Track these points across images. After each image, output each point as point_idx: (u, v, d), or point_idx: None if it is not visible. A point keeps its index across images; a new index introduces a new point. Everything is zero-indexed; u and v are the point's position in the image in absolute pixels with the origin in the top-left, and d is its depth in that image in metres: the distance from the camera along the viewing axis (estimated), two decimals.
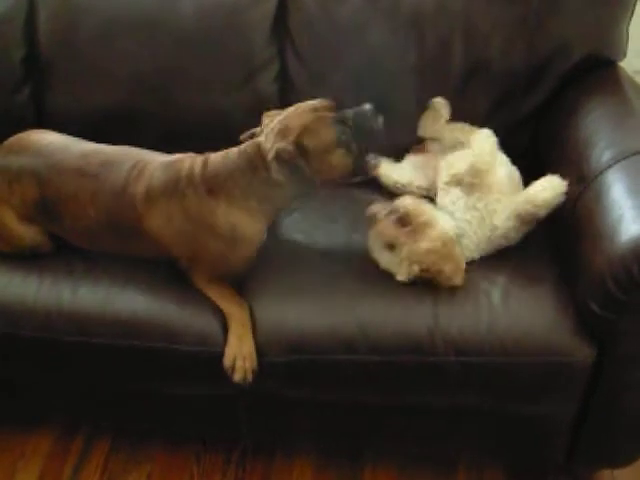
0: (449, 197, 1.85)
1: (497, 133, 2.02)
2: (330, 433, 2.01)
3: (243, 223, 1.78)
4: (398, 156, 2.08)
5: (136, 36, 2.11)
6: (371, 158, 1.78)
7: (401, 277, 1.73)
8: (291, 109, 1.77)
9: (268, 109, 1.84)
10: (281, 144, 1.69)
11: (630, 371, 1.67)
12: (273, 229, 1.93)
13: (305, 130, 1.71)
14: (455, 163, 1.86)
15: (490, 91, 2.08)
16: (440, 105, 2.06)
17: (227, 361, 1.73)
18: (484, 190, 1.81)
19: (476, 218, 1.80)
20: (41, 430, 2.20)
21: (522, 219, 1.78)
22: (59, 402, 2.07)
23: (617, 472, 2.02)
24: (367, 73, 2.08)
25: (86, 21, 2.12)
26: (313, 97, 2.03)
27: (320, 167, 1.73)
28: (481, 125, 2.06)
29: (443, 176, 1.89)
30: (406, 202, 1.78)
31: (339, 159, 1.73)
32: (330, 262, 1.85)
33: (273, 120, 1.77)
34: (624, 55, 2.09)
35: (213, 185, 1.77)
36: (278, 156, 1.69)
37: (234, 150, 1.80)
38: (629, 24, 2.06)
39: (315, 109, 1.75)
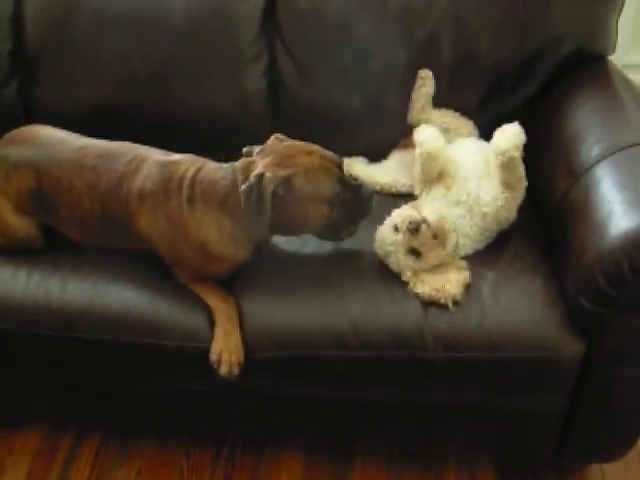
0: (431, 196, 1.86)
1: (486, 127, 2.03)
2: (319, 429, 2.01)
3: (213, 243, 1.76)
4: (387, 151, 2.07)
5: (125, 30, 2.09)
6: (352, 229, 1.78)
7: (418, 289, 1.72)
8: (302, 144, 1.73)
9: (279, 131, 1.81)
10: (272, 171, 1.65)
11: (619, 366, 1.67)
12: None
13: (307, 171, 1.68)
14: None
15: (479, 85, 2.08)
16: (426, 77, 2.04)
17: (213, 355, 1.73)
18: (459, 181, 1.82)
19: (466, 210, 1.80)
20: (29, 427, 2.20)
21: (505, 182, 1.77)
22: (47, 398, 2.07)
23: (606, 467, 2.03)
24: (356, 67, 2.07)
25: (74, 15, 2.10)
26: (302, 91, 2.05)
27: (295, 214, 1.70)
28: (470, 118, 2.07)
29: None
30: (435, 217, 1.74)
31: (317, 214, 1.71)
32: (320, 259, 1.85)
33: (279, 144, 1.74)
34: (614, 49, 2.09)
35: (194, 193, 1.75)
36: (259, 180, 1.64)
37: (230, 163, 1.77)
38: (619, 18, 2.06)
39: (326, 158, 1.71)
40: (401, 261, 1.75)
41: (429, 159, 1.81)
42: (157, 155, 1.85)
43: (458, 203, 1.81)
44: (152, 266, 1.85)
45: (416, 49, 2.05)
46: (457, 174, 1.83)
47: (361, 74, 2.08)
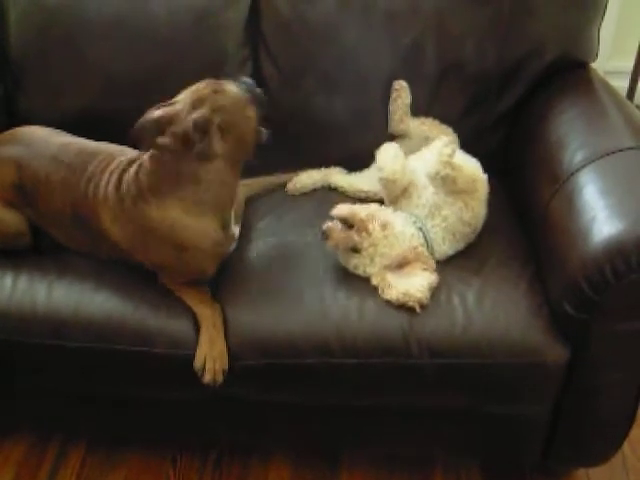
0: (398, 206, 1.89)
1: (470, 134, 2.05)
2: (306, 435, 2.01)
3: (181, 221, 1.74)
4: (370, 158, 2.08)
5: (108, 38, 2.09)
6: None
7: (387, 295, 1.73)
8: (183, 92, 1.77)
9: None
10: (200, 112, 1.68)
11: (603, 372, 1.68)
12: (246, 233, 1.93)
13: (216, 94, 1.73)
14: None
15: (463, 92, 2.09)
16: (401, 88, 2.05)
17: (197, 362, 1.73)
18: (420, 189, 1.86)
19: (427, 213, 1.83)
20: (14, 436, 2.18)
21: (454, 192, 1.80)
22: (32, 407, 2.05)
23: (592, 471, 2.04)
24: (340, 75, 2.08)
25: (57, 22, 2.10)
26: (287, 99, 2.05)
27: (240, 125, 1.74)
28: (454, 126, 2.08)
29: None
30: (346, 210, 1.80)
31: (252, 117, 1.77)
32: (304, 265, 1.85)
33: (169, 108, 1.74)
34: (596, 56, 2.11)
35: (142, 188, 1.75)
36: (197, 126, 1.67)
37: (155, 149, 1.77)
38: (600, 26, 2.07)
39: (207, 83, 1.76)
40: (345, 260, 1.79)
41: (388, 183, 1.87)
42: (129, 154, 1.86)
43: (421, 207, 1.84)
44: (138, 273, 1.84)
45: (400, 57, 2.06)
46: (419, 182, 1.87)
47: (345, 81, 2.09)
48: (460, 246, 1.86)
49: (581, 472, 2.05)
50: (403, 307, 1.70)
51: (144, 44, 2.09)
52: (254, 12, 2.09)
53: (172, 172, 1.72)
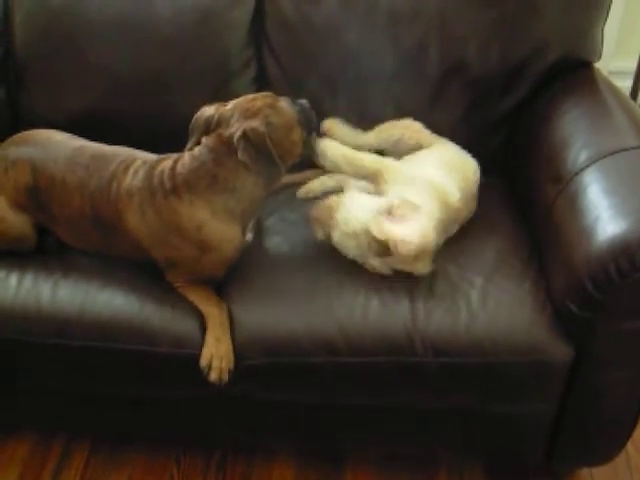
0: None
1: (473, 134, 2.05)
2: (310, 434, 2.01)
3: (209, 224, 1.76)
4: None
5: (112, 38, 2.09)
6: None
7: (372, 256, 1.75)
8: (241, 98, 1.79)
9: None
10: (251, 123, 1.70)
11: (607, 371, 1.68)
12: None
13: (270, 109, 1.74)
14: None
15: (466, 93, 2.09)
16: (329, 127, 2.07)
17: (204, 360, 1.73)
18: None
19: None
20: (18, 435, 2.19)
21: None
22: (36, 406, 2.05)
23: (595, 470, 2.04)
24: (343, 75, 2.09)
25: (61, 23, 2.11)
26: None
27: (284, 145, 1.76)
28: (457, 126, 2.08)
29: None
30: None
31: (297, 136, 1.79)
32: (309, 264, 1.85)
33: (222, 109, 1.77)
34: (600, 56, 2.11)
35: (177, 183, 1.76)
36: (245, 136, 1.69)
37: (197, 148, 1.79)
38: (604, 25, 2.07)
39: (264, 95, 1.79)
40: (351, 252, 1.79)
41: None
42: (149, 156, 1.87)
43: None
44: (143, 272, 1.85)
45: (403, 57, 2.07)
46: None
47: (348, 82, 2.09)
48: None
49: (585, 472, 2.05)
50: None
51: (148, 45, 2.09)
52: (258, 12, 2.09)
53: (209, 175, 1.74)
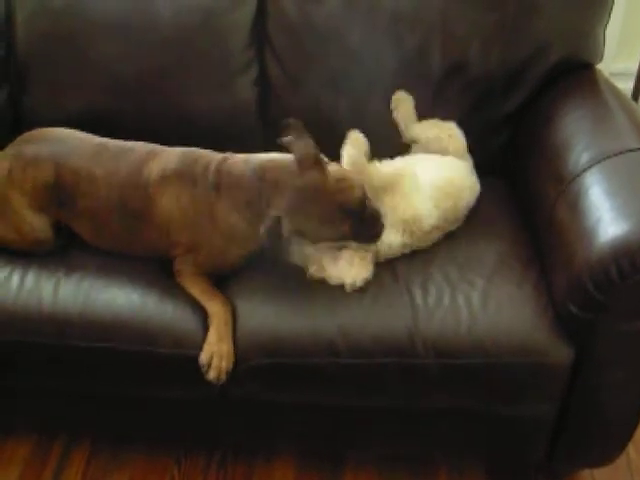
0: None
1: (475, 135, 2.04)
2: (311, 435, 2.01)
3: (241, 228, 1.79)
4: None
5: (113, 39, 2.10)
6: None
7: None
8: (336, 167, 1.77)
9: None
10: (287, 218, 1.68)
11: (607, 372, 1.68)
12: None
13: (320, 219, 1.72)
14: None
15: (468, 94, 2.09)
16: (397, 99, 2.08)
17: (204, 357, 1.72)
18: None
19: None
20: (19, 436, 2.19)
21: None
22: (37, 407, 2.05)
23: (596, 471, 2.04)
24: (345, 76, 2.09)
25: (63, 24, 2.11)
26: (292, 100, 2.05)
27: (310, 233, 1.76)
28: (459, 127, 2.08)
29: None
30: None
31: (348, 227, 1.74)
32: None
33: (309, 153, 1.74)
34: (601, 57, 2.11)
35: (222, 183, 1.78)
36: (274, 224, 1.67)
37: (256, 159, 1.79)
38: (606, 27, 2.07)
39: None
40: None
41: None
42: (173, 149, 1.90)
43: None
44: (144, 273, 1.86)
45: (405, 58, 2.07)
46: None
47: (350, 83, 2.09)
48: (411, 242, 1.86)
49: (585, 473, 2.05)
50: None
51: (149, 45, 2.09)
52: (260, 13, 2.09)
53: (250, 203, 1.76)
